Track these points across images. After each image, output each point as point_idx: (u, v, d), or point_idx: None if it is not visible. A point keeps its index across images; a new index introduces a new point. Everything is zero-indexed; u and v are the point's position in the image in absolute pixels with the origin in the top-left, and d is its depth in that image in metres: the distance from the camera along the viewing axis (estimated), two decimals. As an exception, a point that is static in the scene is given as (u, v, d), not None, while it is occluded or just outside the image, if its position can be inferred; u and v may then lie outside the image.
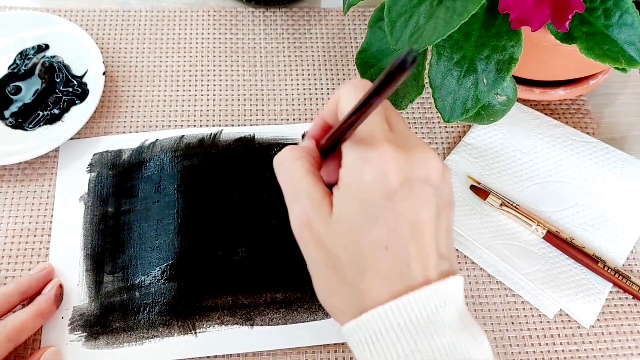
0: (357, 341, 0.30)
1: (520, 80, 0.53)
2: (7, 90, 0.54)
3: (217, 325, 0.45)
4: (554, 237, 0.48)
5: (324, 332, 0.45)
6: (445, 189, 0.32)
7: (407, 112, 0.57)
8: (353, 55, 0.60)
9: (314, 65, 0.59)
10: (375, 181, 0.30)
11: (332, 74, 0.59)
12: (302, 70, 0.59)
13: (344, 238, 0.31)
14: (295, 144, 0.53)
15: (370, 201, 0.30)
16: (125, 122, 0.55)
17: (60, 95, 0.54)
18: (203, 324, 0.45)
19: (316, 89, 0.58)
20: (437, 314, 0.30)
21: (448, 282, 0.31)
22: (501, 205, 0.50)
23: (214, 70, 0.59)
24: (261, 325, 0.45)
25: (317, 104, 0.57)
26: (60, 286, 0.46)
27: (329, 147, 0.35)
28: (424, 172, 0.31)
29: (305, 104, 0.57)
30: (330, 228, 0.32)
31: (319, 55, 0.60)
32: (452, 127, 0.56)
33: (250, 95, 0.57)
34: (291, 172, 0.34)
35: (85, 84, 0.55)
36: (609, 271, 0.47)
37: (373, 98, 0.29)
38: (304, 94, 0.58)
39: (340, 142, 0.33)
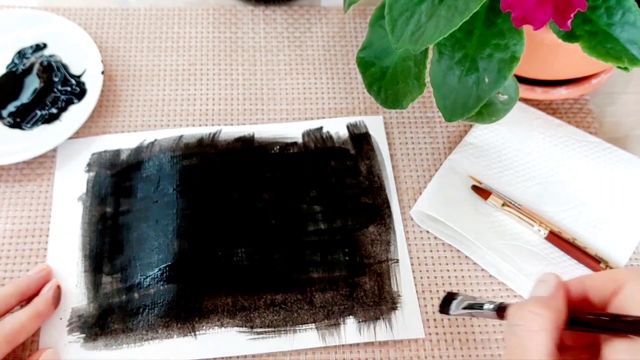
0: None
1: (522, 80, 0.53)
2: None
3: (216, 327, 0.45)
4: (556, 238, 0.48)
5: (325, 334, 0.45)
6: None
7: (408, 111, 0.56)
8: (354, 54, 0.59)
9: (314, 64, 0.59)
10: None
11: (332, 73, 0.59)
12: (303, 69, 0.59)
13: None
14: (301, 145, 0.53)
15: None
16: (123, 121, 0.55)
17: (59, 94, 0.54)
18: (203, 326, 0.45)
19: (316, 88, 0.58)
20: None
21: None
22: (503, 205, 0.49)
23: (214, 69, 0.58)
24: (261, 327, 0.45)
25: (317, 103, 0.57)
26: (58, 287, 0.46)
27: (585, 325, 0.30)
28: None
29: (305, 103, 0.57)
30: None
31: (319, 54, 0.60)
32: (453, 126, 0.56)
33: (250, 94, 0.57)
34: (530, 346, 0.28)
35: (84, 83, 0.54)
36: (611, 272, 0.47)
37: None
38: (304, 93, 0.57)
39: (610, 331, 0.29)
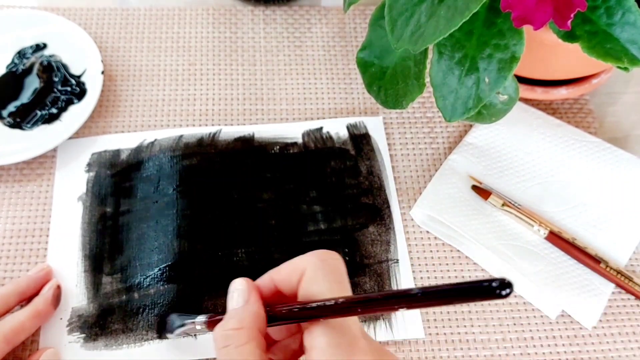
0: None
1: (522, 80, 0.53)
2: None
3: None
4: (556, 238, 0.48)
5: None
6: None
7: (408, 112, 0.56)
8: (354, 54, 0.59)
9: (314, 64, 0.59)
10: None
11: (332, 73, 0.59)
12: (302, 69, 0.59)
13: None
14: (292, 144, 0.53)
15: None
16: (123, 121, 0.55)
17: (59, 94, 0.54)
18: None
19: (316, 88, 0.58)
20: None
21: None
22: (503, 205, 0.49)
23: (213, 69, 0.58)
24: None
25: (317, 104, 0.57)
26: (58, 287, 0.46)
27: (282, 319, 0.32)
28: None
29: (305, 104, 0.57)
30: None
31: (319, 54, 0.60)
32: (453, 126, 0.56)
33: (250, 94, 0.57)
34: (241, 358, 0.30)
35: (84, 83, 0.54)
36: (611, 272, 0.47)
37: (381, 306, 0.29)
38: (304, 93, 0.57)
39: (302, 319, 0.31)
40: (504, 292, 0.22)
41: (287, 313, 0.31)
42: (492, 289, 0.23)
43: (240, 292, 0.32)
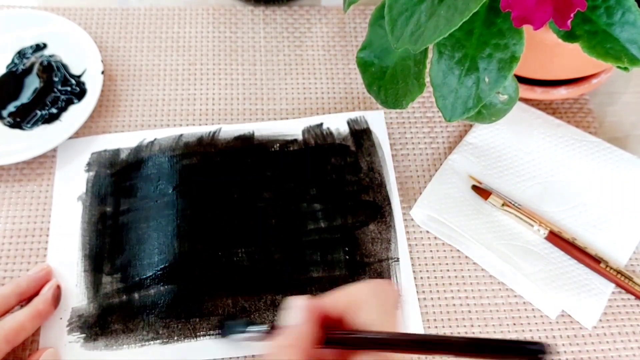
0: None
1: (522, 80, 0.53)
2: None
3: (217, 327, 0.45)
4: (556, 238, 0.48)
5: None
6: None
7: (408, 112, 0.56)
8: (353, 54, 0.59)
9: (314, 64, 0.59)
10: None
11: (332, 73, 0.58)
12: (302, 69, 0.59)
13: None
14: (291, 141, 0.53)
15: None
16: (123, 121, 0.55)
17: (59, 94, 0.54)
18: (203, 327, 0.45)
19: (316, 88, 0.58)
20: None
21: None
22: (503, 205, 0.49)
23: (213, 69, 0.58)
24: (261, 326, 0.45)
25: (317, 103, 0.57)
26: (58, 287, 0.46)
27: (336, 343, 0.32)
28: None
29: (305, 103, 0.57)
30: None
31: (319, 54, 0.60)
32: (453, 126, 0.56)
33: (250, 94, 0.57)
34: None
35: (84, 83, 0.54)
36: (611, 272, 0.47)
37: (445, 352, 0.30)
38: (304, 93, 0.57)
39: (355, 347, 0.32)
40: (542, 356, 0.27)
41: (341, 339, 0.32)
42: (533, 352, 0.27)
43: (297, 309, 0.33)
